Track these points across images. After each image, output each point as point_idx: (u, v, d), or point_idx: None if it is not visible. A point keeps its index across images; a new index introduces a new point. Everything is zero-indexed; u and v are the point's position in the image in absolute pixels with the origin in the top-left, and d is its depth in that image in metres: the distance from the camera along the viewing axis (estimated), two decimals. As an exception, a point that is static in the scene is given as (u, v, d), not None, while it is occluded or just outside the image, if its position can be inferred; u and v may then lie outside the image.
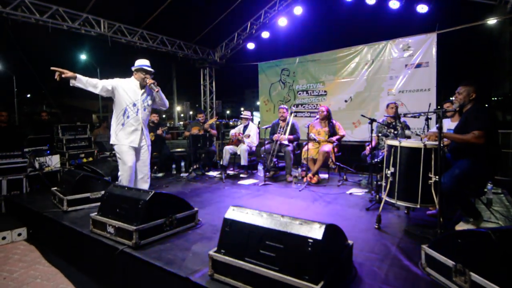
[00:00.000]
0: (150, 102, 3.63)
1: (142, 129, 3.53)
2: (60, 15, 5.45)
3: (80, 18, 5.69)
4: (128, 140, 3.45)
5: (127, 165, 3.42)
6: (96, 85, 3.32)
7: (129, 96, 3.47)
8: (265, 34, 7.54)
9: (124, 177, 3.46)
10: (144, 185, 3.60)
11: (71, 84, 3.19)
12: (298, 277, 1.66)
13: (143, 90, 3.55)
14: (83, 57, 19.32)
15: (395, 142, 2.90)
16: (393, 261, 2.25)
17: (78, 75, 3.19)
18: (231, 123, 6.88)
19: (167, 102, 3.69)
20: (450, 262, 1.83)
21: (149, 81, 3.45)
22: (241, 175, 5.70)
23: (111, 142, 3.50)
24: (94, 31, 5.95)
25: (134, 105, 3.48)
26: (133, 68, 3.56)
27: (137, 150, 3.55)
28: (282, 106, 5.70)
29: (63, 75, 3.10)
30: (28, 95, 25.52)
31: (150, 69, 3.53)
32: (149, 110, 3.65)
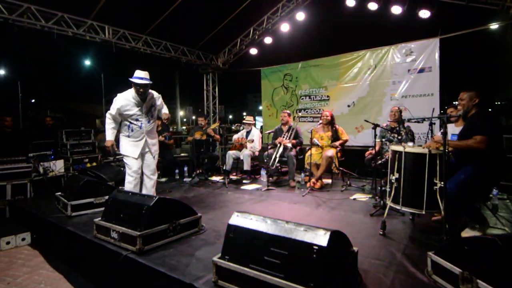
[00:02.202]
0: (154, 113, 3.73)
1: (145, 139, 3.68)
2: (65, 21, 5.51)
3: (85, 25, 5.75)
4: (132, 151, 3.64)
5: (131, 169, 3.64)
6: (115, 127, 3.61)
7: (135, 111, 3.59)
8: (268, 40, 7.57)
9: (129, 181, 3.65)
10: (149, 183, 3.76)
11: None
12: (303, 284, 1.64)
13: (143, 104, 3.59)
14: (87, 62, 19.50)
15: (399, 148, 2.88)
16: (398, 268, 2.23)
17: (111, 139, 3.58)
18: (233, 128, 6.89)
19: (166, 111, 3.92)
20: (456, 270, 1.81)
21: (166, 119, 3.85)
22: (244, 180, 5.69)
23: (119, 148, 3.72)
24: (99, 37, 6.01)
25: (137, 120, 3.59)
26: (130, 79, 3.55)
27: (142, 155, 3.72)
28: (284, 110, 5.72)
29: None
30: (33, 100, 25.73)
31: (140, 81, 3.46)
32: (153, 120, 3.73)
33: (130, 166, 3.64)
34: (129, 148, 3.64)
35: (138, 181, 3.72)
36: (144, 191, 3.80)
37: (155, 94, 3.75)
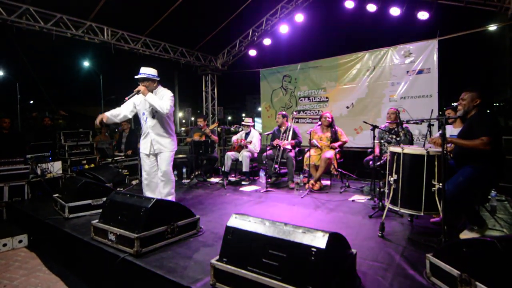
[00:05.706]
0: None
1: (151, 137, 3.67)
2: (64, 23, 5.51)
3: (83, 26, 5.74)
4: (142, 147, 3.76)
5: (144, 168, 3.82)
6: (117, 110, 3.65)
7: (140, 107, 3.71)
8: (267, 41, 7.58)
9: (143, 180, 3.85)
10: (163, 190, 3.73)
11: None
12: (301, 287, 1.63)
13: None
14: (86, 64, 19.49)
15: (398, 149, 2.88)
16: (397, 270, 2.22)
17: (104, 114, 3.59)
18: (232, 129, 6.88)
19: (161, 107, 3.45)
20: (455, 272, 1.81)
21: (135, 90, 3.50)
22: (243, 182, 5.68)
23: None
24: (98, 39, 6.00)
25: (143, 114, 3.69)
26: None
27: (155, 157, 3.76)
28: (280, 112, 5.72)
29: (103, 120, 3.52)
30: (31, 102, 25.68)
31: (138, 76, 3.56)
32: (159, 117, 3.64)
33: (143, 164, 3.80)
34: (141, 145, 3.78)
35: (151, 182, 3.78)
36: (157, 195, 3.72)
37: (161, 92, 3.66)
